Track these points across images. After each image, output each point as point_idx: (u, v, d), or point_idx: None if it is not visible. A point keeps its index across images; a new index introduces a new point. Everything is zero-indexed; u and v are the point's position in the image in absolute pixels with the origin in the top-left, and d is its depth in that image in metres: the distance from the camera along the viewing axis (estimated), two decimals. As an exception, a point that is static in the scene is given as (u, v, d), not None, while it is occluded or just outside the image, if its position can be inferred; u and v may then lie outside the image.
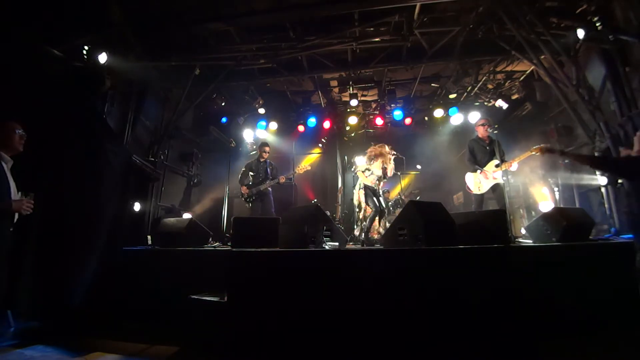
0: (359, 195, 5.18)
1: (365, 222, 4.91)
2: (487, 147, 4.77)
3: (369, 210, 4.89)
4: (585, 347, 2.38)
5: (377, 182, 4.85)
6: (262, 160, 5.66)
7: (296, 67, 6.32)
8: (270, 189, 5.53)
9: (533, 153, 4.21)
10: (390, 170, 4.90)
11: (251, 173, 5.61)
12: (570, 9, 4.56)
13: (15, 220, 2.65)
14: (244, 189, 5.50)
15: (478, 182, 4.69)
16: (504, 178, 4.52)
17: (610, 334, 2.52)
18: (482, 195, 4.69)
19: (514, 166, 4.52)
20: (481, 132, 4.88)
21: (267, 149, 5.73)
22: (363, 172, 4.87)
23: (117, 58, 4.42)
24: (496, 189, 4.58)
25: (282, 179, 5.44)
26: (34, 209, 2.62)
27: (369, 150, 5.01)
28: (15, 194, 2.62)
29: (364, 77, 7.05)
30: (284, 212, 4.36)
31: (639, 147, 2.68)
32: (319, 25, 5.31)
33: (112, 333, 2.94)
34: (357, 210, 5.40)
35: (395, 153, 5.03)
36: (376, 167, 4.81)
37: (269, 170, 5.61)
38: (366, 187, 4.80)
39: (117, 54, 4.44)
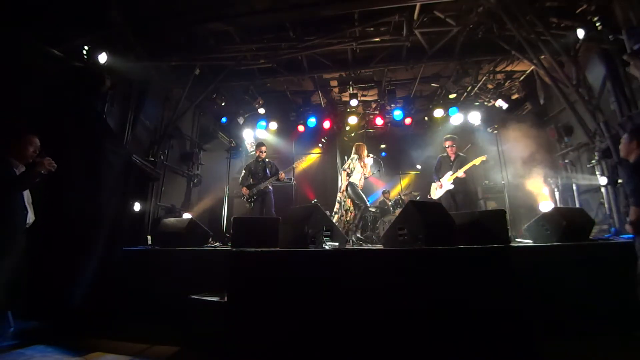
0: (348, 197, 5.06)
1: (356, 221, 5.00)
2: (451, 164, 5.43)
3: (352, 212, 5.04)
4: (585, 347, 2.38)
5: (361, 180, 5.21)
6: (260, 160, 5.70)
7: (296, 67, 6.32)
8: (270, 187, 5.55)
9: (476, 164, 5.26)
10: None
11: (253, 174, 5.65)
12: (570, 9, 4.55)
13: (30, 221, 2.70)
14: (244, 190, 5.52)
15: (435, 190, 5.54)
16: (504, 182, 4.71)
17: (611, 335, 2.52)
18: (445, 195, 5.35)
19: (460, 173, 5.27)
20: (448, 151, 5.56)
21: (263, 148, 5.77)
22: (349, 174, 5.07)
23: (117, 58, 4.42)
24: (448, 194, 5.35)
25: (282, 175, 5.52)
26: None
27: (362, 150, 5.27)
28: (28, 198, 2.69)
29: (364, 77, 7.04)
30: (284, 212, 4.36)
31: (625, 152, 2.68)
32: (319, 25, 5.30)
33: (112, 333, 2.94)
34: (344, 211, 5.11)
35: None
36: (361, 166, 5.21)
37: (267, 169, 5.64)
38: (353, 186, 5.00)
39: (117, 54, 4.43)
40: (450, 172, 5.34)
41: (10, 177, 2.52)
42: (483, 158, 5.34)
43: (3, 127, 2.71)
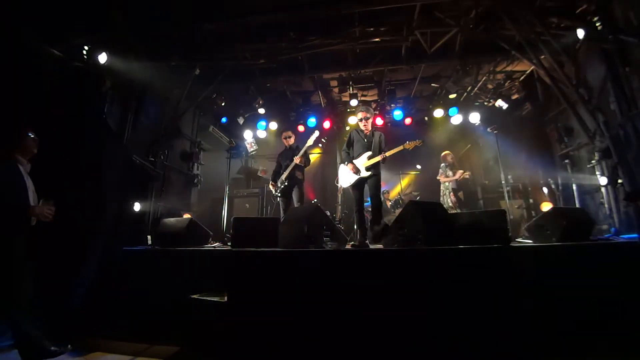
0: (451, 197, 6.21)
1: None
2: (365, 140, 4.20)
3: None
4: (585, 348, 2.37)
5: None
6: (287, 148, 5.18)
7: (296, 67, 6.32)
8: (300, 176, 4.89)
9: (405, 148, 4.10)
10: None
11: (282, 164, 5.10)
12: (570, 9, 4.56)
13: (33, 223, 2.68)
14: (271, 185, 5.02)
15: (347, 174, 4.22)
16: (503, 182, 4.91)
17: (611, 336, 2.51)
18: (353, 186, 4.18)
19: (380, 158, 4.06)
20: (361, 125, 4.27)
21: (284, 134, 5.22)
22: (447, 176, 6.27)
23: (117, 58, 4.42)
24: (360, 183, 4.16)
25: (298, 159, 4.76)
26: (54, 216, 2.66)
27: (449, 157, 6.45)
28: (34, 196, 2.68)
29: (364, 77, 7.04)
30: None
31: None
32: (319, 25, 5.30)
33: (112, 333, 2.94)
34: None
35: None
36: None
37: (297, 154, 4.95)
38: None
39: (117, 54, 4.43)
40: (367, 153, 4.09)
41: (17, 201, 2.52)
42: (418, 143, 4.14)
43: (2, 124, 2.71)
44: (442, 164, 6.50)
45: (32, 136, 2.72)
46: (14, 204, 2.50)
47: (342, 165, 4.35)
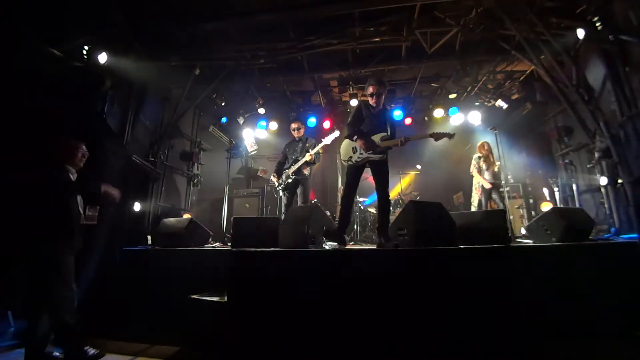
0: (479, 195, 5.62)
1: None
2: (377, 118, 3.64)
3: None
4: (585, 347, 2.38)
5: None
6: (296, 138, 4.82)
7: (296, 67, 6.32)
8: (307, 173, 4.63)
9: (431, 137, 3.60)
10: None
11: (287, 156, 4.77)
12: (570, 9, 4.55)
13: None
14: (273, 177, 4.75)
15: (352, 150, 3.59)
16: (503, 182, 4.71)
17: (612, 336, 2.51)
18: (354, 167, 3.59)
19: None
20: (370, 100, 3.68)
21: (294, 125, 4.84)
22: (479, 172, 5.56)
23: (117, 58, 4.41)
24: (363, 166, 3.63)
25: (309, 157, 4.44)
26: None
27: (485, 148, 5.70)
28: (81, 205, 2.77)
29: (364, 76, 7.04)
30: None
31: None
32: (319, 25, 5.30)
33: (112, 333, 2.94)
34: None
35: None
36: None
37: (309, 150, 4.55)
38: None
39: (117, 54, 4.43)
40: (382, 134, 3.52)
41: (70, 181, 2.63)
42: (447, 136, 3.52)
43: (51, 135, 2.79)
44: (475, 155, 5.74)
45: (82, 150, 2.78)
46: (66, 210, 2.57)
47: (346, 140, 3.64)
